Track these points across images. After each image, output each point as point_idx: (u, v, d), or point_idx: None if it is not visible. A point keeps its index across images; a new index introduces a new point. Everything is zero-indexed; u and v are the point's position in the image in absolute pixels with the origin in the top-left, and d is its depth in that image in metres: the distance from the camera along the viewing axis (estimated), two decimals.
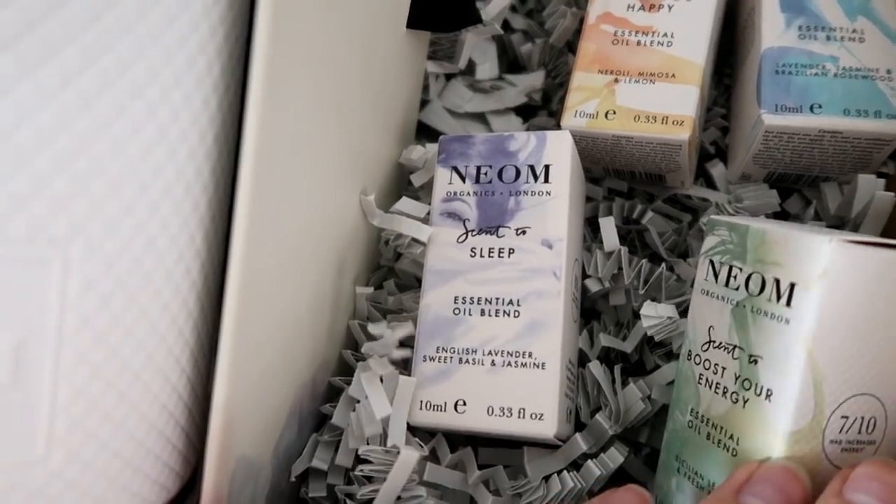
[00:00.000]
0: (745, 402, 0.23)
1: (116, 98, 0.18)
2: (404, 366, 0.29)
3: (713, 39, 0.32)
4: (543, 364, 0.26)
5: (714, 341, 0.24)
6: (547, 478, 0.28)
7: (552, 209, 0.28)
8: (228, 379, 0.21)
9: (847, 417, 0.22)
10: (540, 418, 0.26)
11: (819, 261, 0.21)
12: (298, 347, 0.26)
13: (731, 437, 0.23)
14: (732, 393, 0.23)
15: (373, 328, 0.28)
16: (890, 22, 0.31)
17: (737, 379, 0.23)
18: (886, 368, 0.22)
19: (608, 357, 0.32)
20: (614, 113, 0.31)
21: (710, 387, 0.24)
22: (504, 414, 0.26)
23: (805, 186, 0.34)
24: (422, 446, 0.27)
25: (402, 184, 0.35)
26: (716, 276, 0.25)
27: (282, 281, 0.23)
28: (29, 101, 0.16)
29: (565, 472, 0.27)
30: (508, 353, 0.27)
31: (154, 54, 0.18)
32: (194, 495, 0.24)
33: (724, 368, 0.24)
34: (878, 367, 0.22)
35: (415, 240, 0.30)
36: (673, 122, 0.30)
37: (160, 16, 0.18)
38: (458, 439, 0.30)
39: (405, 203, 0.31)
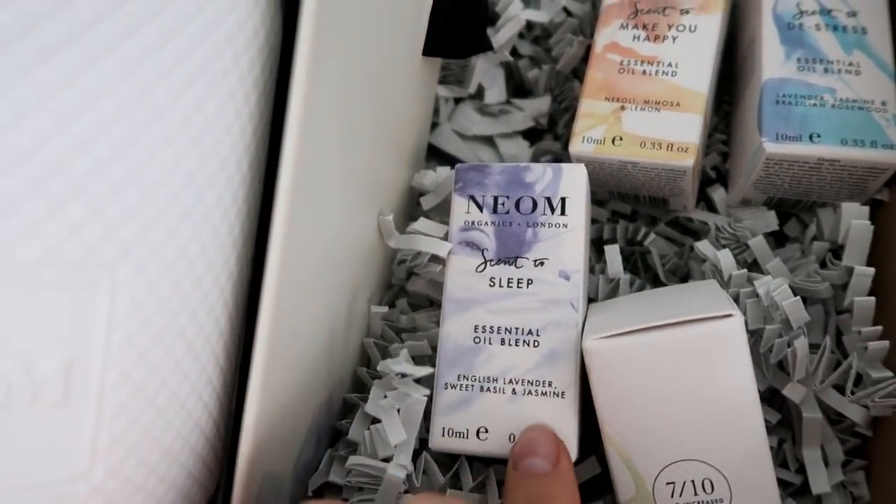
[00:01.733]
0: None
1: (165, 130, 0.19)
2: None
3: (715, 69, 0.34)
4: (563, 393, 0.27)
5: None
6: None
7: (568, 241, 0.28)
8: (260, 399, 0.21)
9: (674, 483, 0.25)
10: None
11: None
12: (319, 366, 0.27)
13: None
14: None
15: (394, 350, 0.29)
16: (884, 55, 0.32)
17: None
18: (695, 436, 0.24)
19: None
20: (621, 139, 0.32)
21: None
22: None
23: (803, 211, 0.35)
24: (409, 469, 0.28)
25: (412, 205, 0.36)
26: None
27: (308, 303, 0.24)
28: (87, 133, 0.17)
29: None
30: (529, 381, 0.27)
31: (199, 87, 0.19)
32: None
33: None
34: (686, 436, 0.24)
35: (433, 258, 0.30)
36: (678, 149, 0.31)
37: (208, 51, 0.19)
38: (479, 461, 0.31)
39: (423, 223, 0.31)
